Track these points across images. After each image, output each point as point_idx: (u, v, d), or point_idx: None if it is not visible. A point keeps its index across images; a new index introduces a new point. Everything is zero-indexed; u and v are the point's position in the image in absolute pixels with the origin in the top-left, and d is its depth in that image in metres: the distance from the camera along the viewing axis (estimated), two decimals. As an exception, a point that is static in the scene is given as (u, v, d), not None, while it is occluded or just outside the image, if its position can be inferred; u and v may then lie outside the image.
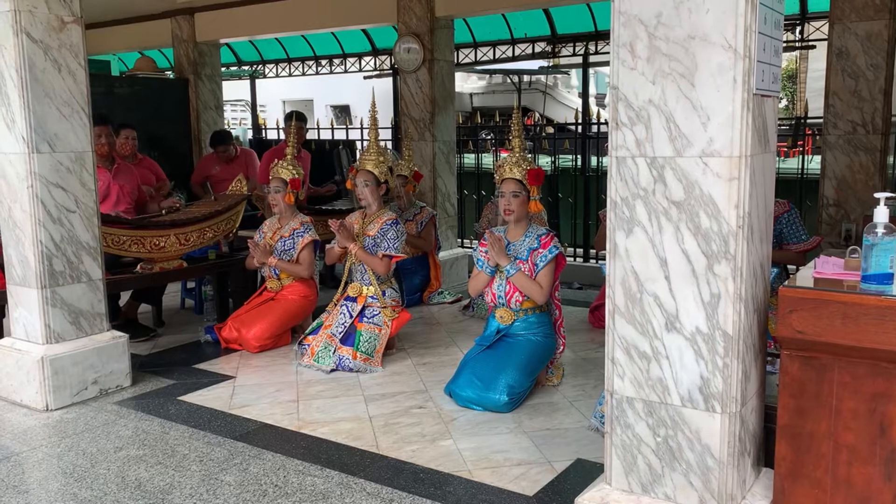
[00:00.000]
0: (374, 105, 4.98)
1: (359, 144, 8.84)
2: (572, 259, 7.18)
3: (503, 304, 4.02)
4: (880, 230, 2.15)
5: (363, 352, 4.45)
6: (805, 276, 2.41)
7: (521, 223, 4.04)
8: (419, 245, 6.10)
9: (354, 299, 4.67)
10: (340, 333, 4.53)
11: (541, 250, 3.93)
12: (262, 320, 4.89)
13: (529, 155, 4.22)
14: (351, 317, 4.59)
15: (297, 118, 6.46)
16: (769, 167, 2.39)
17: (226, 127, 9.42)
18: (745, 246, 2.20)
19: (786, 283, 2.31)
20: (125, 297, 5.38)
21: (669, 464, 2.38)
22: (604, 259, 3.59)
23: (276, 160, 5.13)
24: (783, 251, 4.20)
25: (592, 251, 7.21)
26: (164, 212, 5.44)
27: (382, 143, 5.57)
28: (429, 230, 6.16)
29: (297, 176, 4.97)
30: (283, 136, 7.33)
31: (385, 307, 4.62)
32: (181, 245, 5.09)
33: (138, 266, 4.94)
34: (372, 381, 4.28)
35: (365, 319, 4.58)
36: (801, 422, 2.28)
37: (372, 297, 4.64)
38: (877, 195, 2.24)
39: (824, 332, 2.18)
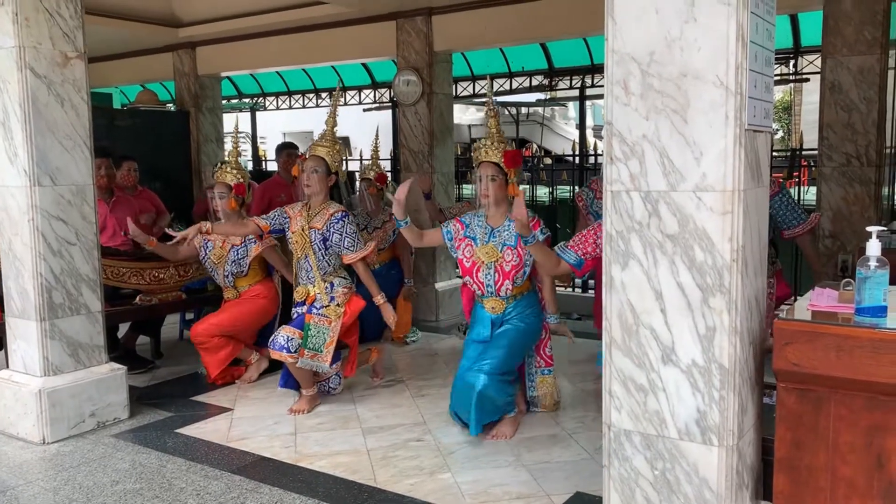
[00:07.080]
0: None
1: (357, 175, 8.88)
2: (570, 290, 7.19)
3: (492, 294, 3.91)
4: (873, 263, 2.17)
5: (310, 348, 4.24)
6: (800, 307, 2.43)
7: (501, 207, 3.90)
8: (400, 248, 5.89)
9: (303, 303, 4.46)
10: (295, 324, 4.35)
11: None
12: (218, 315, 4.83)
13: (508, 138, 4.09)
14: (302, 314, 4.40)
15: (288, 147, 6.50)
16: (762, 201, 2.42)
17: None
18: (739, 279, 2.22)
19: (781, 315, 2.33)
20: (123, 328, 5.38)
21: (668, 497, 2.37)
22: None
23: (278, 193, 5.13)
24: (798, 238, 4.17)
25: (591, 282, 7.21)
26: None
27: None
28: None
29: (241, 181, 4.81)
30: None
31: (328, 306, 4.39)
32: (181, 277, 5.10)
33: (137, 298, 4.95)
34: (370, 414, 4.27)
35: (314, 310, 4.38)
36: (798, 454, 2.28)
37: (319, 294, 4.43)
38: (869, 228, 2.26)
39: (819, 365, 2.19)
